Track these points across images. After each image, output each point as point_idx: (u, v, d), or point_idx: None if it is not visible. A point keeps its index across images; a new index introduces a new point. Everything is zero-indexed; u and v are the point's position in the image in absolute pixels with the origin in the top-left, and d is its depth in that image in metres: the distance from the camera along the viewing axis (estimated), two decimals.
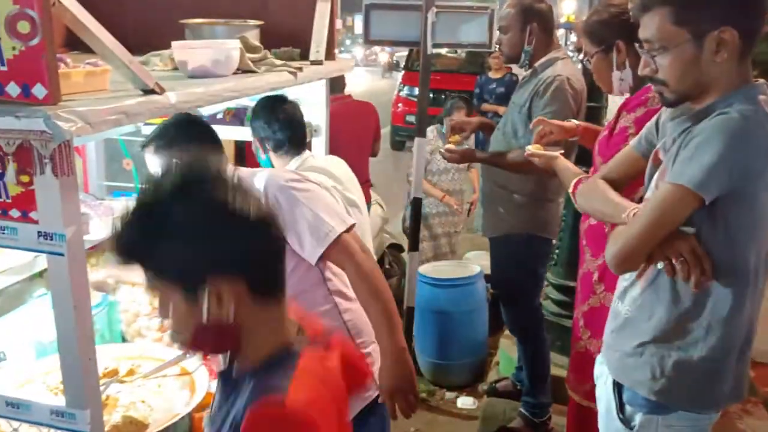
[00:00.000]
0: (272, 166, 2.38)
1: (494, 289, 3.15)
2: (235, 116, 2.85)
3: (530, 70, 2.81)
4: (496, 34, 3.05)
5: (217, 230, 1.06)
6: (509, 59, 2.95)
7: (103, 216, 2.37)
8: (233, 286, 1.08)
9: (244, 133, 2.67)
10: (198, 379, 2.01)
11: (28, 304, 2.47)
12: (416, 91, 10.03)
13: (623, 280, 1.70)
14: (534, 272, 2.93)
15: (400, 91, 10.69)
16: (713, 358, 1.56)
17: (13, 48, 1.26)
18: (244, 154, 3.23)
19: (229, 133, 2.79)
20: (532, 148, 2.26)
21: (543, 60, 2.77)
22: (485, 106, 6.97)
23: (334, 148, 2.83)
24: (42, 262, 2.51)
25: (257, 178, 1.83)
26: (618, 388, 1.69)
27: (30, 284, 2.55)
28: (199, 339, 1.11)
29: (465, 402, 3.52)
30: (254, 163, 2.53)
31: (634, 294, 1.64)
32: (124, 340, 2.40)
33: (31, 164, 1.37)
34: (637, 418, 1.64)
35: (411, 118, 9.67)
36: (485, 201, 2.95)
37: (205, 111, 3.00)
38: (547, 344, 3.03)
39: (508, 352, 3.63)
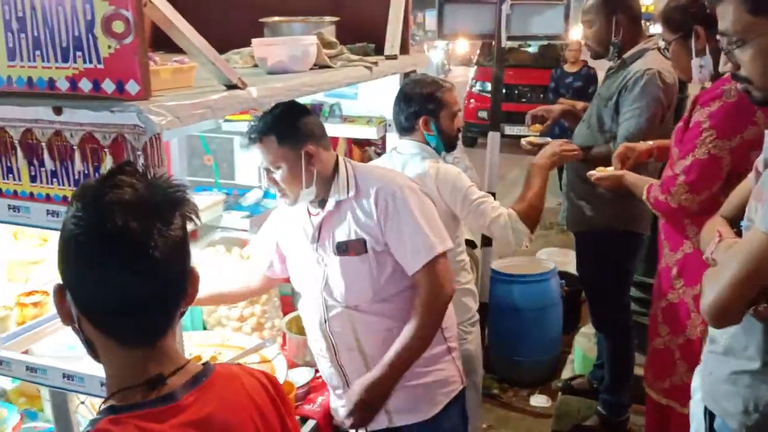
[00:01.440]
0: (442, 142, 2.28)
1: (582, 286, 3.08)
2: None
3: (618, 61, 2.72)
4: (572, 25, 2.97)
5: None
6: (597, 54, 2.82)
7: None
8: None
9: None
10: (277, 366, 2.07)
11: None
12: (488, 86, 10.01)
13: None
14: (623, 268, 2.85)
15: (472, 87, 10.59)
16: None
17: (109, 47, 1.34)
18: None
19: None
20: (596, 173, 2.27)
21: (632, 51, 2.68)
22: (562, 101, 6.83)
23: None
24: None
25: (373, 177, 1.83)
26: (709, 413, 1.59)
27: None
28: None
29: (538, 400, 3.48)
30: None
31: None
32: (205, 328, 2.50)
33: (124, 156, 1.45)
34: None
35: (483, 114, 9.56)
36: (570, 195, 2.89)
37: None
38: (634, 343, 2.94)
39: (584, 350, 3.56)
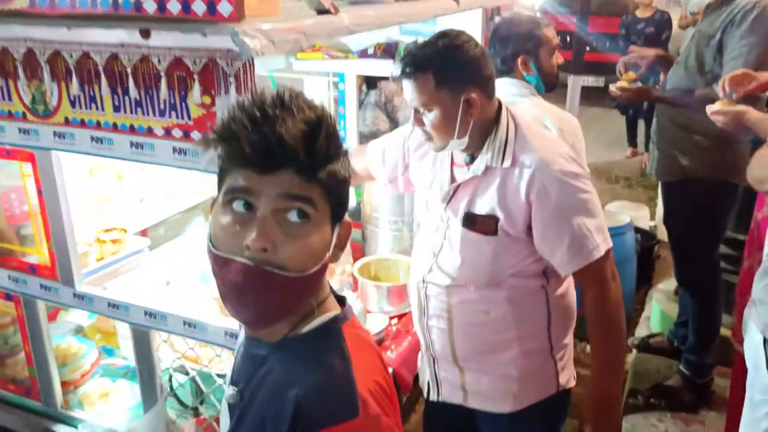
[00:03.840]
0: (542, 81, 2.08)
1: (670, 239, 2.90)
2: (386, 51, 2.77)
3: None
4: None
5: None
6: None
7: None
8: None
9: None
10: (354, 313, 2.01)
11: (187, 233, 2.58)
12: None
13: None
14: (716, 222, 2.67)
15: None
16: None
17: None
18: None
19: (380, 68, 2.73)
20: (715, 106, 2.03)
21: None
22: (633, 48, 6.47)
23: None
24: (200, 194, 2.60)
25: (535, 148, 1.54)
26: (766, 344, 1.53)
27: (189, 215, 2.67)
28: None
29: None
30: None
31: None
32: None
33: (214, 84, 1.36)
34: None
35: None
36: (661, 143, 2.69)
37: (354, 46, 2.97)
38: (722, 302, 2.78)
39: (663, 307, 3.41)
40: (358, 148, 2.09)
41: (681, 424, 2.76)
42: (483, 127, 1.55)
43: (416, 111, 1.55)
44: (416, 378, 2.04)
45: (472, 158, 1.58)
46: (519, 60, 2.03)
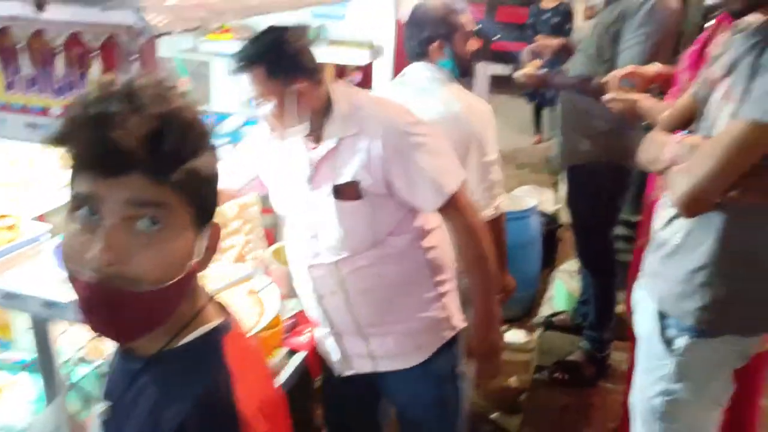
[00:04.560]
0: (457, 66, 2.14)
1: (572, 221, 3.04)
2: None
3: None
4: None
5: None
6: None
7: None
8: None
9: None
10: (268, 298, 1.99)
11: None
12: None
13: (668, 208, 1.61)
14: (613, 203, 2.83)
15: None
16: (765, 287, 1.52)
17: None
18: None
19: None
20: (610, 95, 2.16)
21: None
22: (539, 38, 6.69)
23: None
24: None
25: (374, 118, 1.65)
26: (662, 315, 1.64)
27: None
28: None
29: (517, 336, 3.49)
30: None
31: (682, 220, 1.56)
32: None
33: (116, 62, 1.31)
34: (682, 342, 1.59)
35: None
36: (564, 128, 2.82)
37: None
38: (617, 279, 2.95)
39: (566, 287, 3.58)
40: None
41: (583, 396, 2.92)
42: (319, 110, 1.65)
43: (256, 102, 1.64)
44: None
45: (319, 140, 1.68)
46: (434, 45, 2.06)
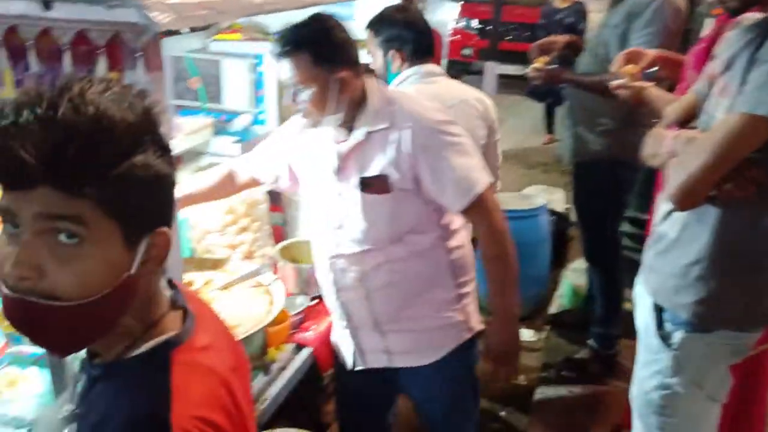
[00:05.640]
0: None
1: (578, 218, 3.04)
2: None
3: None
4: None
5: None
6: None
7: (173, 133, 2.36)
8: None
9: None
10: (275, 292, 2.02)
11: None
12: (473, 23, 9.72)
13: (667, 202, 1.61)
14: (618, 200, 2.83)
15: (457, 22, 10.34)
16: (761, 279, 1.53)
17: None
18: None
19: None
20: (618, 82, 2.15)
21: None
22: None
23: None
24: None
25: (406, 113, 1.66)
26: (658, 308, 1.65)
27: None
28: None
29: (524, 334, 3.49)
30: None
31: (679, 215, 1.57)
32: (192, 255, 2.42)
33: (121, 60, 1.33)
34: (677, 336, 1.60)
35: (467, 51, 9.39)
36: (571, 126, 2.82)
37: (274, 27, 2.94)
38: (624, 276, 2.94)
39: (574, 285, 3.57)
40: (236, 162, 2.11)
41: (591, 394, 2.91)
42: (354, 101, 1.66)
43: (294, 89, 1.64)
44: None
45: (350, 131, 1.69)
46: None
